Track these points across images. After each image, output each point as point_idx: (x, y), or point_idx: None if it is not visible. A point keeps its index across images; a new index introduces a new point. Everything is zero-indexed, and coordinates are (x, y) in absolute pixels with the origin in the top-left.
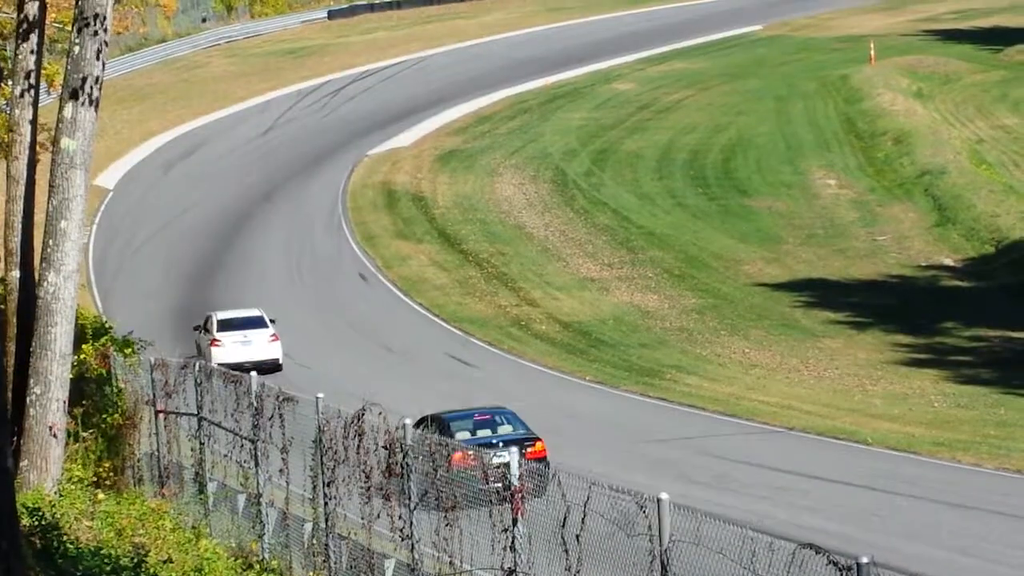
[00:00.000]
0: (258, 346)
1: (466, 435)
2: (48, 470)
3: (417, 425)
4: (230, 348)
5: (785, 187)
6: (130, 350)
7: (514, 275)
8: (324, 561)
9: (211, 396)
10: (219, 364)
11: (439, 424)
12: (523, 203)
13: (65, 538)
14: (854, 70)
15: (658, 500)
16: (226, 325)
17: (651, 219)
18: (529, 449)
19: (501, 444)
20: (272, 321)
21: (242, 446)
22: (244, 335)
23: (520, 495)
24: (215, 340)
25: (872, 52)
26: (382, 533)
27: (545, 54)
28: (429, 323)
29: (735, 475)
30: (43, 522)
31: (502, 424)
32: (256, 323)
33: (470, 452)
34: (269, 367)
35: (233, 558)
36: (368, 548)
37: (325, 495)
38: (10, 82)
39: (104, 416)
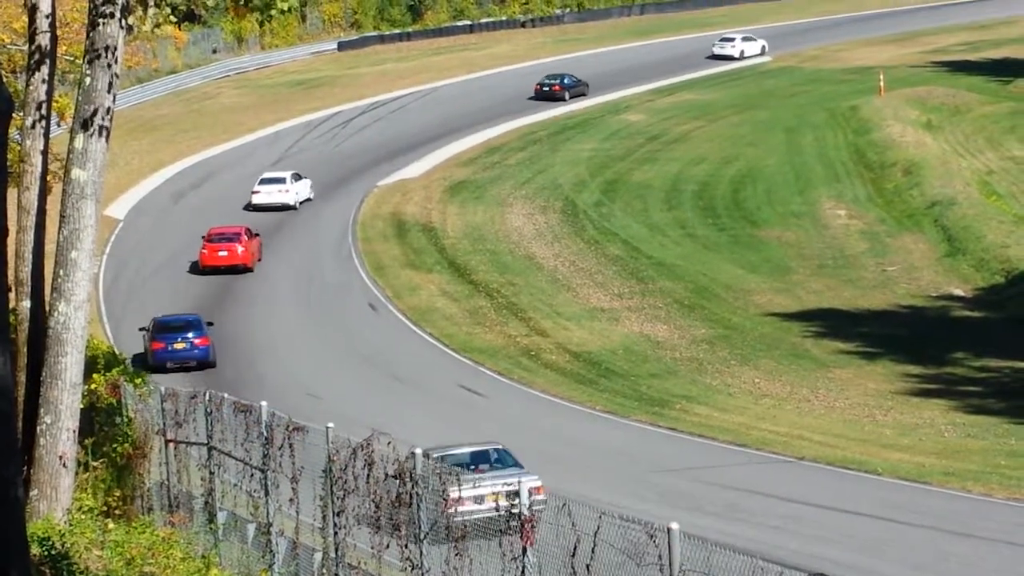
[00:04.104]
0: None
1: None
2: (58, 499)
3: None
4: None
5: (795, 218)
6: (140, 380)
7: (524, 305)
8: None
9: (221, 426)
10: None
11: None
12: (533, 233)
13: (75, 567)
14: (864, 101)
15: (668, 530)
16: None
17: (661, 249)
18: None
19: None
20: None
21: (252, 475)
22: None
23: (531, 524)
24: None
25: (882, 83)
26: (392, 563)
27: None
28: (439, 353)
29: (745, 505)
30: (53, 552)
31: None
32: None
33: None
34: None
35: None
36: None
37: (335, 524)
38: (22, 113)
39: (114, 445)
